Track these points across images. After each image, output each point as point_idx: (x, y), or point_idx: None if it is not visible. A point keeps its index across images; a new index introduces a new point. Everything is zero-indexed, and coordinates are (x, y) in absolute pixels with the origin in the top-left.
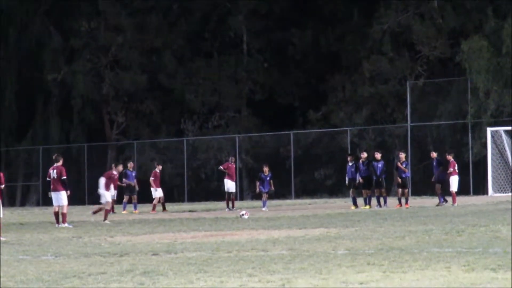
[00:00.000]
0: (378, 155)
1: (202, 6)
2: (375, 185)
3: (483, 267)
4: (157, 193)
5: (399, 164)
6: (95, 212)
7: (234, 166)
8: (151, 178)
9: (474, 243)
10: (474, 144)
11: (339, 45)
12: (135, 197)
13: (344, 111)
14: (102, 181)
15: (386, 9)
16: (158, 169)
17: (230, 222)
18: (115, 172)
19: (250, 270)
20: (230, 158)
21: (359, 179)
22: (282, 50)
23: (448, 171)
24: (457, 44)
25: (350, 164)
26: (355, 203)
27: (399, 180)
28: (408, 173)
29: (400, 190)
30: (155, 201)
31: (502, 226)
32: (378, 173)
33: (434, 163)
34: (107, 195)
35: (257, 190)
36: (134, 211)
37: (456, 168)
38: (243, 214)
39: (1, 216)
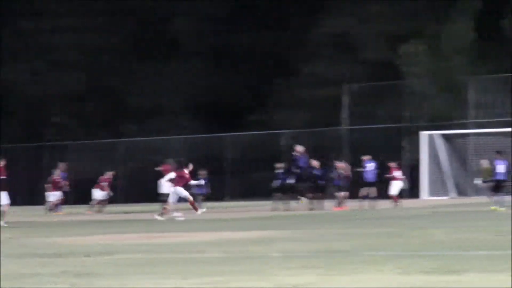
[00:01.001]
0: (315, 163)
1: (144, 8)
2: (315, 189)
3: (418, 271)
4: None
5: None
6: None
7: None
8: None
9: (409, 246)
10: (410, 148)
11: (280, 48)
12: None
13: (282, 114)
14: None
15: (326, 12)
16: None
17: (166, 224)
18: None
19: (185, 272)
20: (170, 160)
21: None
22: (222, 52)
23: (389, 175)
24: (396, 48)
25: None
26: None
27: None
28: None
29: (340, 193)
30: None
31: (437, 229)
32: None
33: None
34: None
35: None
36: (58, 213)
37: (398, 173)
38: (177, 216)
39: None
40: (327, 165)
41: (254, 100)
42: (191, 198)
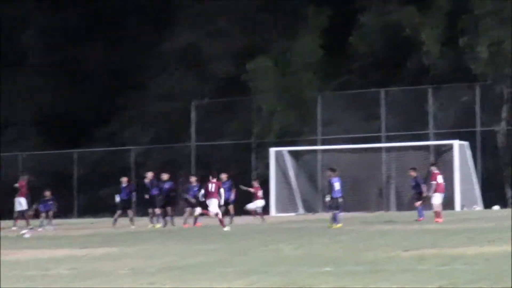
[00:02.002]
0: (165, 176)
1: None
2: (165, 204)
3: (267, 286)
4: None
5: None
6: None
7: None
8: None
9: (257, 262)
10: (258, 164)
11: (128, 62)
12: None
13: (130, 130)
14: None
15: (175, 27)
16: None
17: (13, 241)
18: None
19: None
20: (23, 175)
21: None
22: (71, 66)
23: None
24: (244, 63)
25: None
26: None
27: (191, 200)
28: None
29: (189, 209)
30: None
31: (285, 245)
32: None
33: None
34: None
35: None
36: None
37: (260, 192)
38: (24, 233)
39: None
40: (176, 180)
41: (102, 116)
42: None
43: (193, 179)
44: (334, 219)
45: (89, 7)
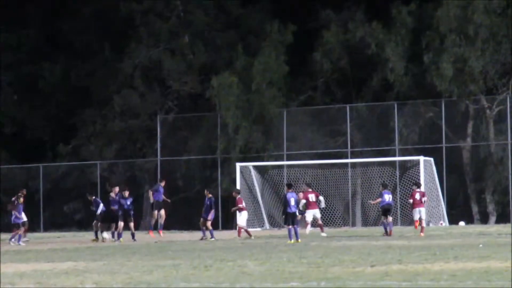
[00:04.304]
0: (126, 193)
1: None
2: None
3: None
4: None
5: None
6: None
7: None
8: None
9: (221, 278)
10: (223, 179)
11: (90, 79)
12: None
13: (94, 145)
14: None
15: (137, 44)
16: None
17: None
18: None
19: None
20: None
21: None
22: (32, 83)
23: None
24: (208, 79)
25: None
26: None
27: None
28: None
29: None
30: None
31: (249, 261)
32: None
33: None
34: None
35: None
36: None
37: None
38: None
39: None
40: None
41: (65, 131)
42: None
43: (126, 193)
44: (290, 234)
45: (50, 24)
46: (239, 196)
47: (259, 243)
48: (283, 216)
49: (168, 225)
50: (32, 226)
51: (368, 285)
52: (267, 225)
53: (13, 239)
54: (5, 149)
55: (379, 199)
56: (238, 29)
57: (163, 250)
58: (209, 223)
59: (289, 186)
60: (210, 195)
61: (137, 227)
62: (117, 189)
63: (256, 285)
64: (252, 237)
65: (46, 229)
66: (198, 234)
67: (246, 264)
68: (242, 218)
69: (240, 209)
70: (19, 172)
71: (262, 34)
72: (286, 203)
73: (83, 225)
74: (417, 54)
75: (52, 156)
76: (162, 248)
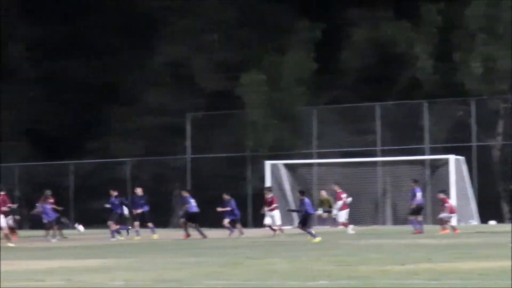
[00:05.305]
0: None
1: None
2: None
3: None
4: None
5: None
6: None
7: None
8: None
9: (249, 275)
10: (252, 177)
11: (120, 76)
12: None
13: (124, 143)
14: None
15: (167, 41)
16: None
17: (8, 251)
18: None
19: None
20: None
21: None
22: (62, 80)
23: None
24: (237, 77)
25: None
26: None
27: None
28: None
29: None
30: None
31: (278, 258)
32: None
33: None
34: None
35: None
36: None
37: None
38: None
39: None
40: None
41: (92, 129)
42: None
43: (138, 190)
44: (310, 234)
45: (80, 20)
46: (271, 194)
47: (288, 241)
48: (318, 214)
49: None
50: (62, 223)
51: (396, 283)
52: (296, 222)
53: (51, 237)
54: (35, 146)
55: (416, 198)
56: (266, 26)
57: (191, 248)
58: (226, 221)
59: (302, 193)
60: (228, 197)
61: (167, 225)
62: (139, 190)
63: (285, 283)
64: (276, 235)
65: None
66: (226, 232)
67: (274, 262)
68: (275, 216)
69: (273, 208)
70: (48, 169)
71: (291, 32)
72: (306, 207)
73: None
74: (446, 53)
75: (81, 154)
76: (190, 245)
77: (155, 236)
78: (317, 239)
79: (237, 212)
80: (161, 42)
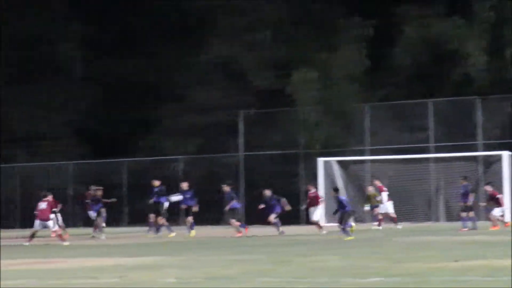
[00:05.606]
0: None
1: (31, 31)
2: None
3: None
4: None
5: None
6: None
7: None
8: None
9: (301, 273)
10: (305, 174)
11: (170, 74)
12: None
13: (174, 141)
14: None
15: (217, 38)
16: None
17: (61, 249)
18: None
19: None
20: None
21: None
22: (113, 78)
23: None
24: (288, 75)
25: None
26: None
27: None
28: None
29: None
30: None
31: (330, 256)
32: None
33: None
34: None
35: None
36: None
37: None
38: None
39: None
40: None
41: (146, 126)
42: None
43: (184, 184)
44: (344, 231)
45: (128, 19)
46: (314, 190)
47: (340, 238)
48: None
49: (248, 220)
50: (115, 221)
51: (450, 280)
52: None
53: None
54: (86, 144)
55: (472, 195)
56: (318, 23)
57: (241, 245)
58: (272, 217)
59: (337, 190)
60: (269, 194)
61: (219, 222)
62: (185, 184)
63: (336, 280)
64: (322, 232)
65: (129, 223)
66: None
67: (326, 259)
68: (318, 212)
69: (315, 204)
70: (101, 167)
71: (342, 29)
72: (339, 205)
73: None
74: (498, 49)
75: (133, 151)
76: (240, 242)
77: (171, 235)
78: (350, 237)
79: (278, 208)
80: (212, 40)
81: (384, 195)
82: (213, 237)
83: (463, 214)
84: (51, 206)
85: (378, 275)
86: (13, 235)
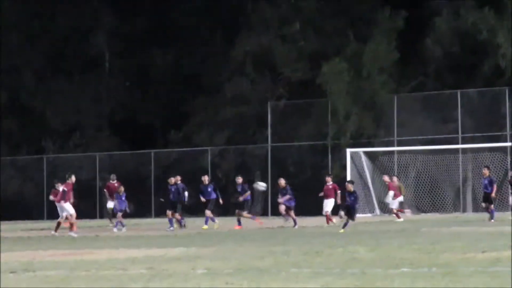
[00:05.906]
0: (239, 179)
1: (63, 25)
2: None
3: None
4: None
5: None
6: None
7: (114, 184)
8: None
9: (332, 263)
10: (333, 165)
11: (202, 66)
12: None
13: (205, 132)
14: None
15: (248, 31)
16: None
17: (90, 240)
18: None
19: None
20: (111, 176)
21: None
22: (143, 70)
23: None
24: (318, 66)
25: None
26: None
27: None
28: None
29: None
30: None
31: (360, 247)
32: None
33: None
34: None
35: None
36: None
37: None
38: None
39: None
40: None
41: (176, 118)
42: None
43: (205, 178)
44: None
45: (161, 11)
46: (331, 182)
47: (369, 229)
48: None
49: (274, 212)
50: (143, 212)
51: (479, 271)
52: (377, 211)
53: (116, 227)
54: (117, 136)
55: (494, 187)
56: (348, 15)
57: (273, 236)
58: (291, 211)
59: (352, 183)
60: (284, 184)
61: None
62: (206, 178)
63: (367, 270)
64: (332, 224)
65: (157, 215)
66: (306, 220)
67: (356, 250)
68: (329, 205)
69: (331, 196)
70: (130, 158)
71: (373, 20)
72: (357, 201)
73: (193, 210)
74: None
75: (163, 143)
76: (272, 234)
77: (216, 226)
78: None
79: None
80: (244, 32)
81: (391, 192)
82: (247, 229)
83: (484, 205)
84: (68, 190)
85: (407, 265)
86: (41, 226)
